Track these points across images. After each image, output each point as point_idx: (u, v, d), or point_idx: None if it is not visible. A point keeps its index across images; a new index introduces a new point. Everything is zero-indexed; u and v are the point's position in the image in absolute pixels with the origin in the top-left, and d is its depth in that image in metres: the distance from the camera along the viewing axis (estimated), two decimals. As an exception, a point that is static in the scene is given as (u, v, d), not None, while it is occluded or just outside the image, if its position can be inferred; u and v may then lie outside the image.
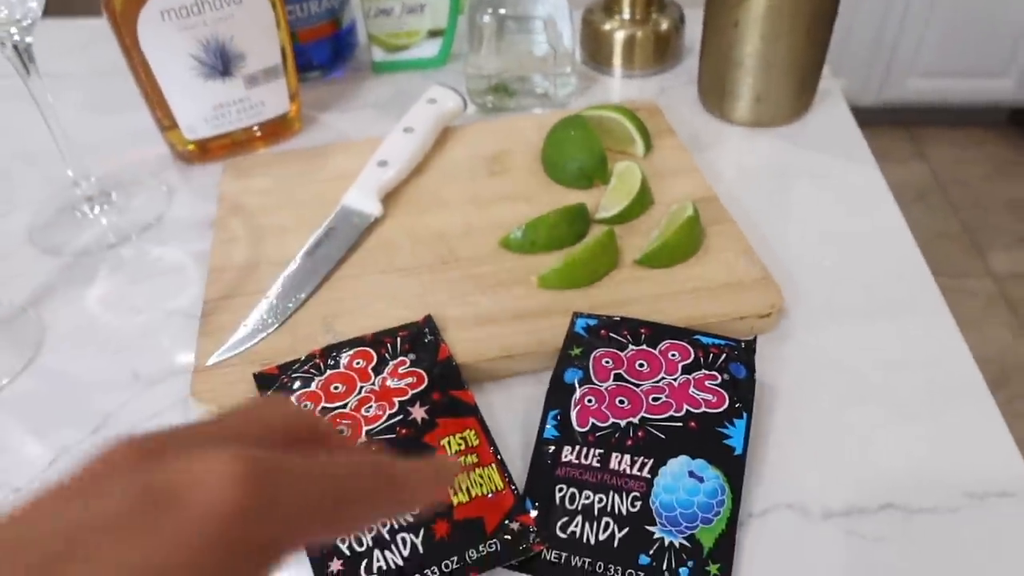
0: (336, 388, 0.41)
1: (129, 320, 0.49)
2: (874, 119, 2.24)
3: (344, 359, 0.42)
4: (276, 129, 0.63)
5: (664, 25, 0.67)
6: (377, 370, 0.41)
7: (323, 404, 0.40)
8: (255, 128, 0.62)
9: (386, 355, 0.42)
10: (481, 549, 0.35)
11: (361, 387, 0.41)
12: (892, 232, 0.52)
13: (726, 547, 0.35)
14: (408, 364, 0.42)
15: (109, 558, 0.15)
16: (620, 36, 0.66)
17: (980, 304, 1.78)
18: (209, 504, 0.16)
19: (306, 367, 0.42)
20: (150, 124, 0.60)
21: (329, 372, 0.42)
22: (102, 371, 0.46)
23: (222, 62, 0.58)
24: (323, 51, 0.69)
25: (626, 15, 0.66)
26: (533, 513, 0.37)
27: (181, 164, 0.62)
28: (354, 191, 0.53)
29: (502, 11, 0.60)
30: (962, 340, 0.45)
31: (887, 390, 0.42)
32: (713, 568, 0.35)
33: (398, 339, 0.43)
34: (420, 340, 0.43)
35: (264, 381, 0.41)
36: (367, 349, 0.42)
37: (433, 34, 0.69)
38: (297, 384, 0.41)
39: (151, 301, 0.50)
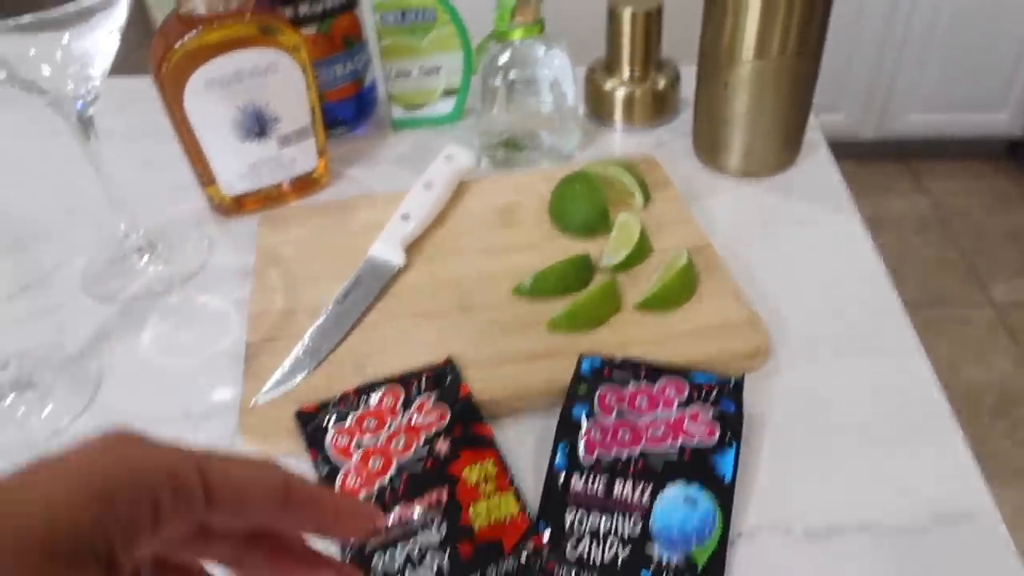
0: (369, 423, 0.46)
1: (178, 362, 0.54)
2: (874, 153, 2.30)
3: (375, 397, 0.47)
4: (305, 184, 0.69)
5: (661, 83, 0.72)
6: (405, 407, 0.46)
7: (357, 438, 0.45)
8: (285, 183, 0.68)
9: (412, 394, 0.47)
10: (500, 568, 0.40)
11: (390, 423, 0.46)
12: (869, 275, 0.57)
13: (718, 564, 0.40)
14: (432, 402, 0.46)
15: None
16: (620, 94, 0.72)
17: (981, 333, 1.82)
18: None
19: (341, 404, 0.47)
20: (189, 179, 0.66)
21: (362, 409, 0.46)
22: (156, 409, 0.51)
23: (258, 125, 0.63)
24: (347, 109, 0.75)
25: (626, 74, 0.72)
26: (546, 535, 0.41)
27: (218, 216, 0.67)
28: (380, 243, 0.58)
29: (511, 74, 0.66)
30: (932, 374, 0.50)
31: (863, 421, 0.47)
32: (706, 583, 0.39)
33: (423, 379, 0.48)
34: (443, 380, 0.48)
35: (305, 418, 0.46)
36: (395, 388, 0.47)
37: (448, 93, 0.75)
38: (333, 419, 0.46)
39: (198, 345, 0.55)
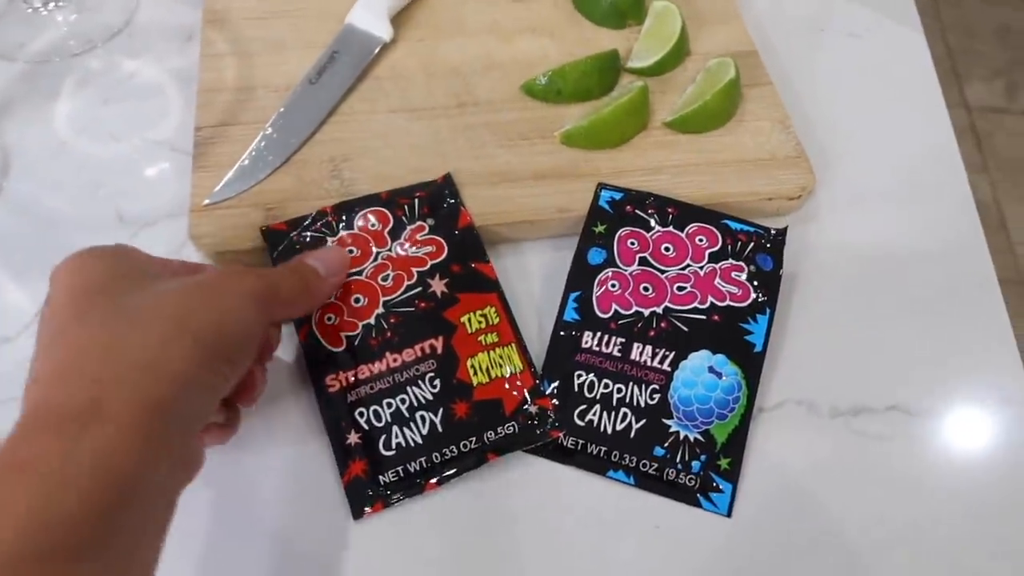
0: (350, 252, 0.38)
1: (106, 148, 0.44)
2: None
3: (358, 219, 0.39)
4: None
5: None
6: (394, 234, 0.39)
7: (336, 267, 0.38)
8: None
9: (403, 218, 0.39)
10: (499, 431, 0.35)
11: (377, 253, 0.38)
12: (927, 111, 0.49)
13: (738, 443, 0.36)
14: (427, 231, 0.39)
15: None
16: None
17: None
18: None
19: (317, 224, 0.39)
20: None
21: (343, 232, 0.39)
22: (82, 207, 0.42)
23: None
24: None
25: None
26: (551, 394, 0.37)
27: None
28: (360, 8, 0.46)
29: None
30: (982, 235, 0.44)
31: (902, 284, 0.42)
32: (724, 462, 0.36)
33: (416, 200, 0.40)
34: (440, 203, 0.40)
35: (274, 238, 0.39)
36: (382, 210, 0.40)
37: None
38: (308, 241, 0.39)
39: (129, 127, 0.44)
